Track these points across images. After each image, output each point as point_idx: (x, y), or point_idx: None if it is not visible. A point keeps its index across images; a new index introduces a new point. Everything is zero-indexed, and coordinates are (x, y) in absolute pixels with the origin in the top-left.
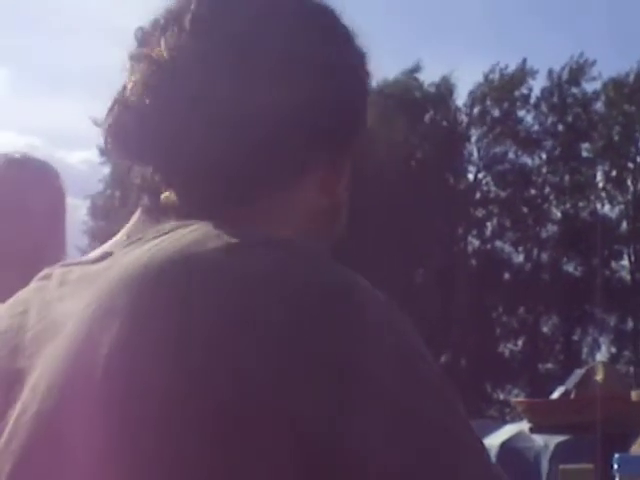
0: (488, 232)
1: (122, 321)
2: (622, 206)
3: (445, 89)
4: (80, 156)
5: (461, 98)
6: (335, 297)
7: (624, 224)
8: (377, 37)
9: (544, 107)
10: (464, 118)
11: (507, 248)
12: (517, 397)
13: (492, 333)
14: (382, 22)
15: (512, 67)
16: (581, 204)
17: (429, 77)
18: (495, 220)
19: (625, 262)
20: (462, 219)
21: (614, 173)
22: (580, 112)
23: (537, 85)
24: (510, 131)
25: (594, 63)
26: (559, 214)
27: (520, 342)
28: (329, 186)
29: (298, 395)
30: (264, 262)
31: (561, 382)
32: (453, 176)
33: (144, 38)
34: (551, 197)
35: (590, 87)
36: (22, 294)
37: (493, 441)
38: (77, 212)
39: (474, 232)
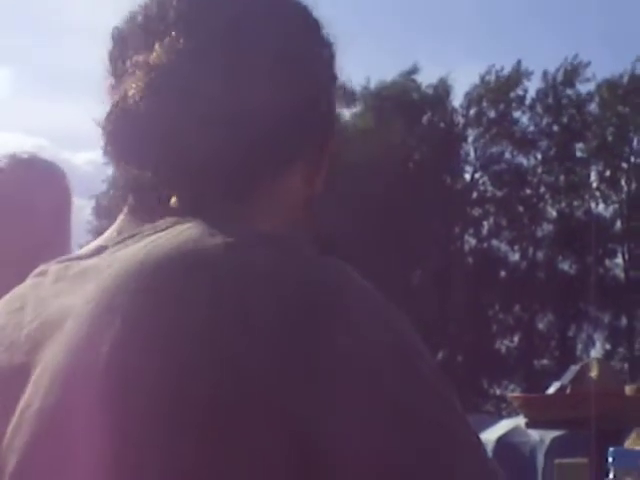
0: (484, 231)
1: (121, 318)
2: (616, 205)
3: (442, 91)
4: (85, 157)
5: (458, 99)
6: (331, 296)
7: (618, 223)
8: (375, 40)
9: (539, 108)
10: (461, 119)
11: (503, 247)
12: (513, 393)
13: (488, 330)
14: (380, 25)
15: (508, 69)
16: (576, 203)
17: (426, 79)
18: (491, 219)
19: (619, 260)
20: (459, 218)
21: (608, 173)
22: (574, 113)
23: (532, 86)
24: (506, 132)
25: (588, 64)
26: (554, 213)
27: (516, 339)
28: (310, 177)
29: (293, 393)
30: (261, 260)
31: (556, 378)
32: (450, 176)
33: (121, 37)
34: (546, 196)
35: (584, 88)
36: (18, 290)
37: (489, 436)
38: (82, 212)
39: (471, 231)
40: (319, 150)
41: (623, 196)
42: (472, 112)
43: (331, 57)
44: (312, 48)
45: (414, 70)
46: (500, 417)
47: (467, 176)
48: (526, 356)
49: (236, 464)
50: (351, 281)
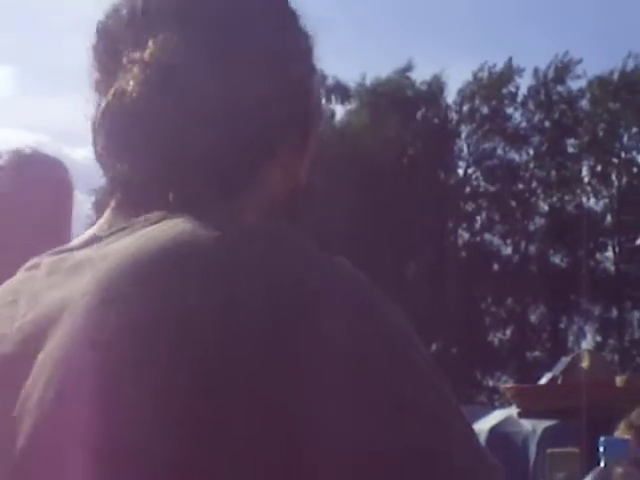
0: (477, 225)
1: (116, 311)
2: (607, 200)
3: (436, 87)
4: (84, 152)
5: (451, 96)
6: (325, 288)
7: (608, 217)
8: (371, 38)
9: (531, 104)
10: (454, 115)
11: (496, 241)
12: (506, 384)
13: (481, 323)
14: (375, 23)
15: (500, 66)
16: (567, 198)
17: (421, 76)
18: (484, 214)
19: (609, 254)
20: (452, 213)
21: (599, 168)
22: (566, 109)
23: (524, 83)
24: (498, 128)
25: (580, 62)
26: (546, 207)
27: (508, 331)
28: (293, 170)
29: (278, 381)
30: (251, 253)
31: (548, 369)
32: (444, 171)
33: (106, 31)
34: (538, 191)
35: (575, 85)
36: (10, 284)
37: (482, 426)
38: (82, 207)
39: (464, 225)
40: (301, 142)
41: (614, 191)
42: (465, 108)
43: (309, 49)
44: (291, 40)
45: (409, 67)
46: (493, 408)
47: (460, 171)
48: (518, 348)
49: (221, 451)
50: (344, 273)
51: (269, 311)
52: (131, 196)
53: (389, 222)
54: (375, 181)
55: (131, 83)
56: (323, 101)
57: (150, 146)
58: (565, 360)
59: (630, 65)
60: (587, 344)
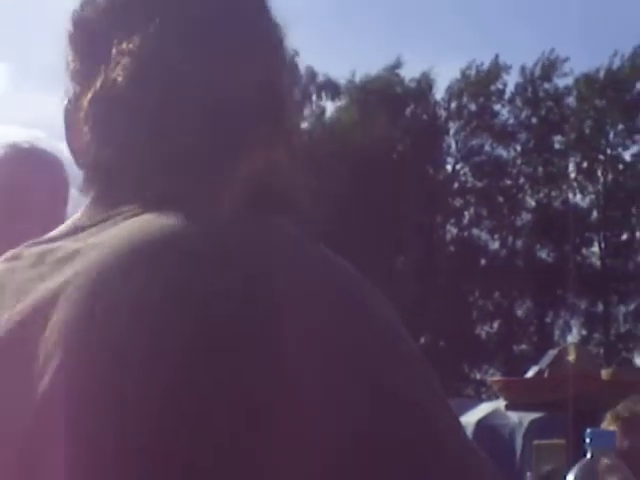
0: (465, 220)
1: (101, 304)
2: (593, 196)
3: (425, 85)
4: None
5: (440, 93)
6: (310, 280)
7: (594, 213)
8: (361, 35)
9: (518, 102)
10: (443, 112)
11: (483, 236)
12: (493, 377)
13: (469, 316)
14: (365, 22)
15: (487, 64)
16: (554, 194)
17: (410, 73)
18: (472, 209)
19: (595, 249)
20: (441, 208)
21: (585, 164)
22: (553, 106)
23: (511, 81)
24: (486, 124)
25: (566, 60)
26: (533, 203)
27: (496, 325)
28: (268, 161)
29: (266, 377)
30: (233, 244)
31: (535, 362)
32: (432, 167)
33: (83, 20)
34: (525, 187)
35: (562, 83)
36: None
37: (470, 418)
38: (75, 202)
39: (452, 220)
40: (276, 132)
41: (599, 187)
42: (453, 105)
43: (280, 40)
44: (264, 32)
45: (398, 65)
46: (480, 400)
47: (449, 167)
48: (505, 341)
49: (202, 442)
50: (330, 264)
51: (250, 303)
52: (113, 185)
53: (378, 217)
54: (365, 176)
55: (121, 74)
56: (300, 92)
57: (136, 135)
58: (552, 353)
59: (616, 63)
60: (573, 338)
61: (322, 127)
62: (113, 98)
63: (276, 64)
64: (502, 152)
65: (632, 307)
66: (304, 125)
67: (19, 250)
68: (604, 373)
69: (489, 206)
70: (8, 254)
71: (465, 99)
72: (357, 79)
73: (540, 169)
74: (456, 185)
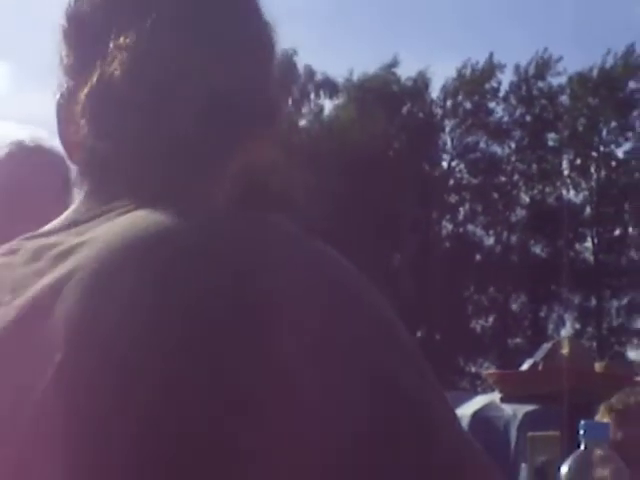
0: (461, 216)
1: (97, 299)
2: (586, 192)
3: (421, 83)
4: None
5: (436, 92)
6: (306, 276)
7: (588, 209)
8: (358, 35)
9: (513, 100)
10: (439, 110)
11: (479, 231)
12: (488, 370)
13: (464, 311)
14: (362, 21)
15: (482, 63)
16: (548, 190)
17: (406, 72)
18: (467, 205)
19: (588, 244)
20: (437, 204)
21: (579, 161)
22: (547, 104)
23: (506, 79)
24: (481, 122)
25: (560, 59)
26: (527, 199)
27: (491, 319)
28: (259, 157)
29: (260, 376)
30: (225, 240)
31: (529, 355)
32: (428, 164)
33: (78, 15)
34: (520, 184)
35: (556, 81)
36: None
37: (465, 411)
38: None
39: (448, 216)
40: (267, 128)
41: (593, 183)
42: (449, 104)
43: (270, 37)
44: (255, 29)
45: (394, 63)
46: (475, 393)
47: (444, 164)
48: (500, 335)
49: (185, 438)
50: (327, 258)
51: (240, 299)
52: (107, 179)
53: (375, 213)
54: (362, 173)
55: (118, 68)
56: (296, 89)
57: (132, 129)
58: (546, 347)
59: (609, 62)
60: (567, 332)
61: (320, 125)
62: (110, 92)
63: (268, 60)
64: (497, 149)
65: (625, 301)
66: (302, 123)
67: (15, 244)
68: (597, 366)
69: (484, 202)
70: (4, 248)
71: (460, 97)
72: (355, 78)
73: (534, 166)
74: (451, 182)
